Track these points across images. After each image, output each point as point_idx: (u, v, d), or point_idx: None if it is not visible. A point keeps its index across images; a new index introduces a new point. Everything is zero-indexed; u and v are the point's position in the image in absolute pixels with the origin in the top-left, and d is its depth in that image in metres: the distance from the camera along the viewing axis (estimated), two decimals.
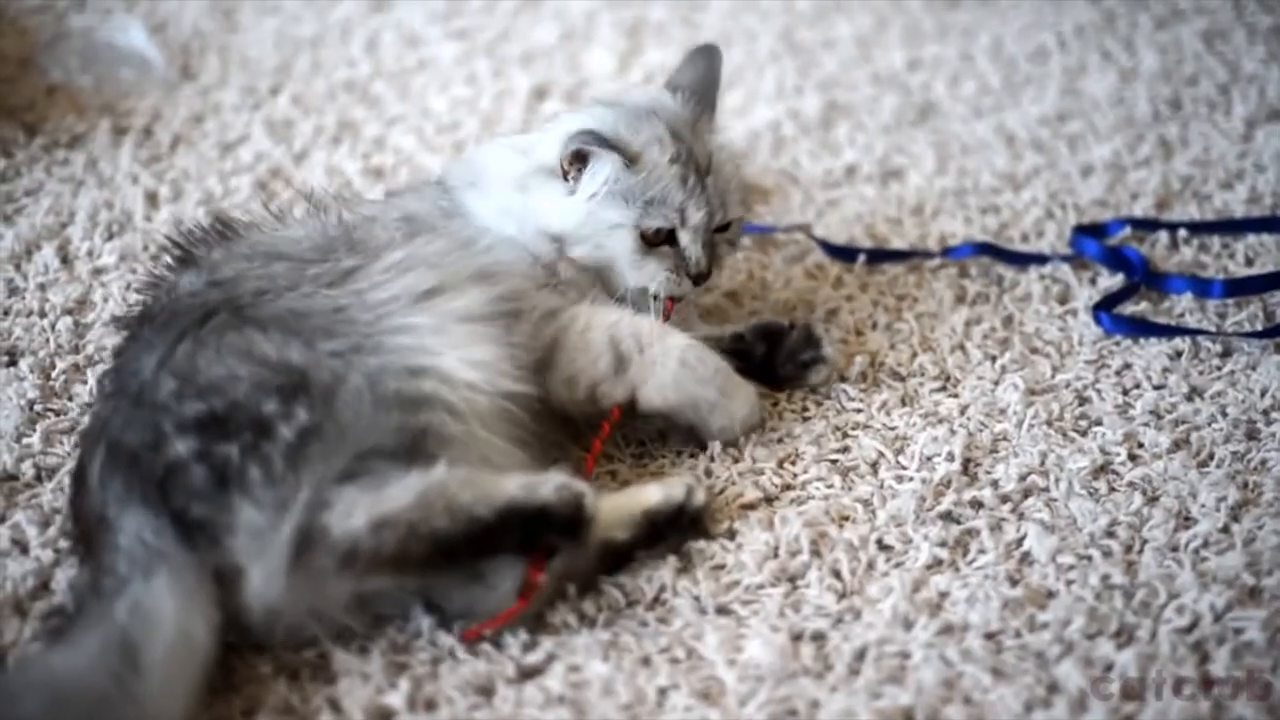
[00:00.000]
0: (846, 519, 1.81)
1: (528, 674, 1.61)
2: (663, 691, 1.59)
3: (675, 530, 1.75)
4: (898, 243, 2.42)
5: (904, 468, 1.89)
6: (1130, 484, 1.86)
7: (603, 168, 1.92)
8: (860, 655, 1.62)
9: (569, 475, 1.65)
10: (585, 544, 1.66)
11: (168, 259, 1.88)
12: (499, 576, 1.64)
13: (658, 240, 1.95)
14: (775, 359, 2.03)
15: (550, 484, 1.63)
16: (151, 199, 2.49)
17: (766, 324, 2.06)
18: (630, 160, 1.92)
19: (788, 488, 1.87)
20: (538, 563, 1.64)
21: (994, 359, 2.10)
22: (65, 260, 2.30)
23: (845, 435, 1.95)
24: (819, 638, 1.65)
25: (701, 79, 2.09)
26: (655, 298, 1.96)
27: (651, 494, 1.75)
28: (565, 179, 1.94)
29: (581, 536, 1.65)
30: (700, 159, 1.98)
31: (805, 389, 2.04)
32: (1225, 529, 1.79)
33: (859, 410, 2.00)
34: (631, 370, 1.86)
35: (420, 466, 1.60)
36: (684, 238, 1.95)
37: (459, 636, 1.64)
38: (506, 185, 1.97)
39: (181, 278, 1.81)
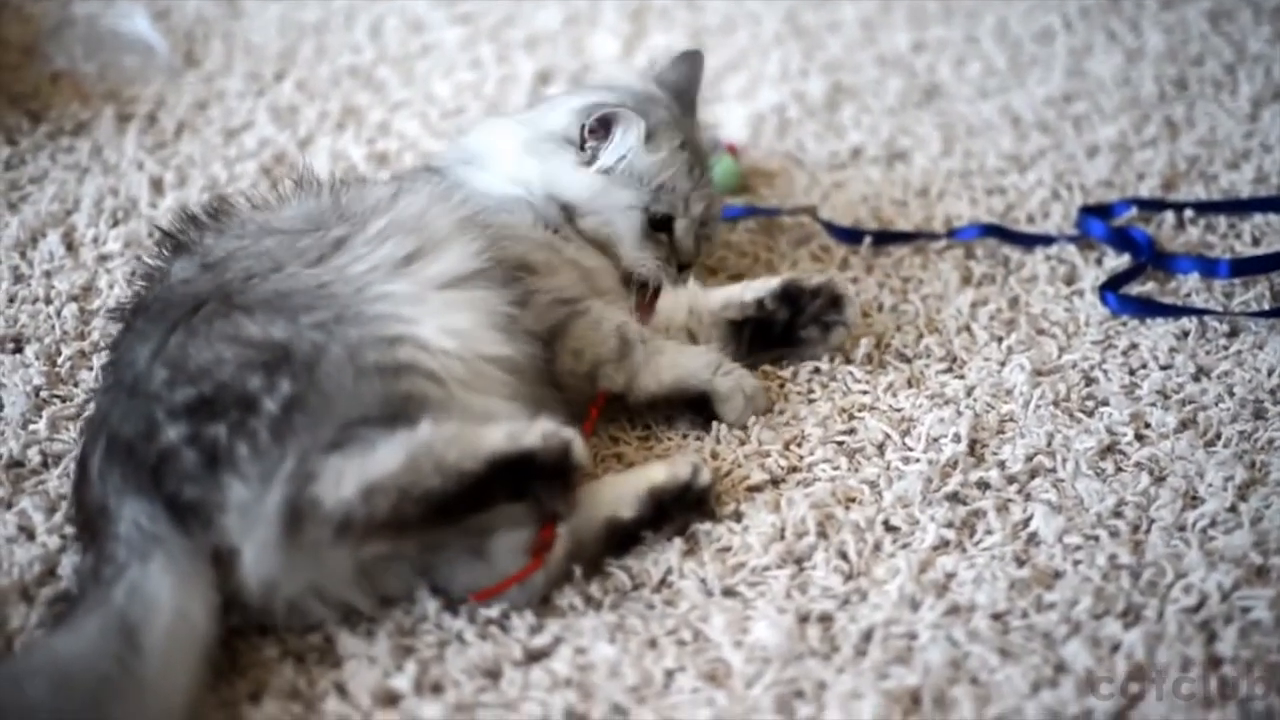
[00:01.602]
0: (853, 500, 1.81)
1: (534, 656, 1.61)
2: (669, 673, 1.59)
3: (680, 509, 1.75)
4: (903, 225, 2.41)
5: (910, 449, 1.89)
6: (1137, 464, 1.86)
7: (629, 135, 1.98)
8: (867, 636, 1.62)
9: (556, 421, 1.64)
10: (574, 491, 1.66)
11: (161, 248, 1.88)
12: (501, 553, 1.64)
13: (657, 226, 2.01)
14: (797, 322, 2.02)
15: (535, 430, 1.61)
16: (156, 185, 2.49)
17: (788, 286, 2.02)
18: (649, 135, 1.98)
19: (794, 470, 1.87)
20: (547, 524, 1.65)
21: (1000, 340, 2.10)
22: (70, 247, 2.30)
23: (851, 417, 1.95)
24: (826, 619, 1.65)
25: (684, 81, 2.17)
26: (641, 284, 2.01)
27: (657, 473, 1.76)
28: (582, 148, 1.99)
29: (570, 482, 1.64)
30: (698, 151, 2.06)
31: (817, 359, 2.04)
32: (1232, 508, 1.78)
33: (865, 392, 1.99)
34: (634, 355, 1.88)
35: (404, 428, 1.59)
36: (680, 227, 2.04)
37: (468, 598, 1.64)
38: (512, 154, 2.02)
39: (174, 265, 1.81)
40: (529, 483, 1.61)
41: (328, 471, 1.56)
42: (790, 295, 2.02)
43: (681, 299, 2.03)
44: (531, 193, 2.01)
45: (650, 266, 2.01)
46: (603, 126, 1.99)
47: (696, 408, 1.94)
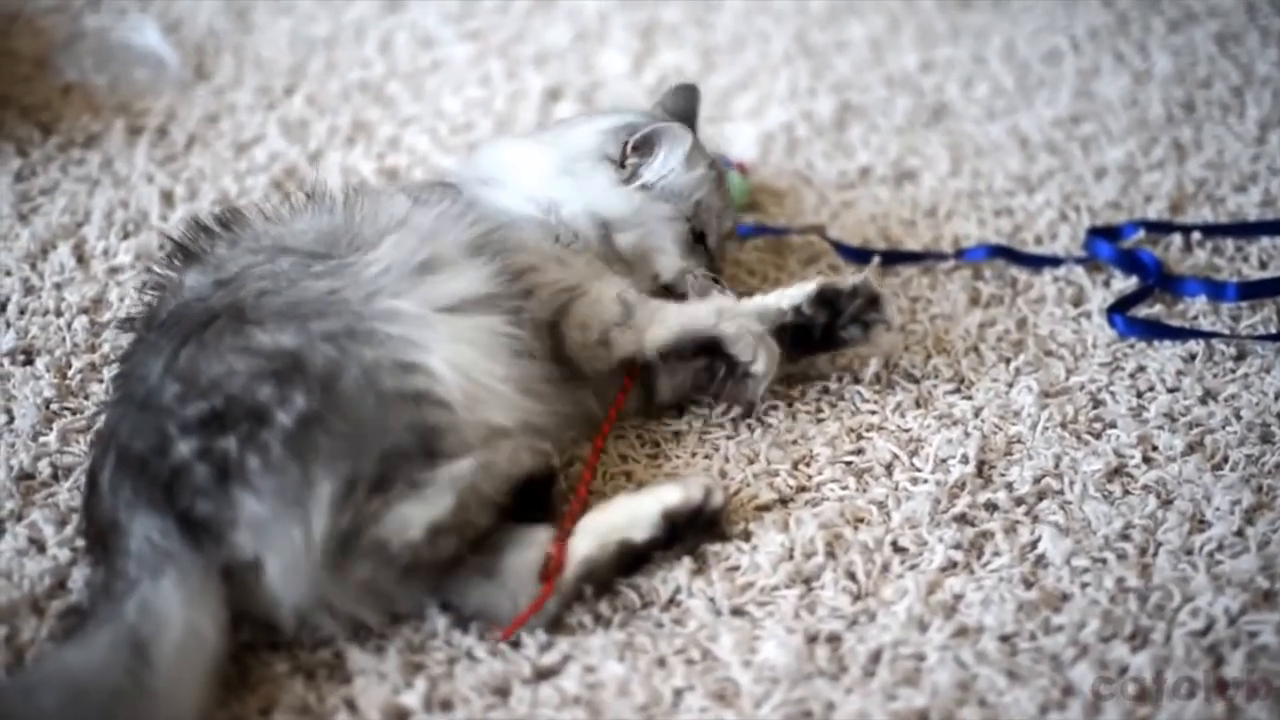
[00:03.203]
0: (861, 521, 1.82)
1: (544, 674, 1.61)
2: (678, 693, 1.59)
3: (693, 531, 1.75)
4: (911, 244, 2.42)
5: (918, 470, 1.89)
6: (1144, 487, 1.86)
7: (675, 151, 2.02)
8: (875, 657, 1.63)
9: (533, 441, 1.73)
10: (554, 497, 1.74)
11: (172, 259, 1.88)
12: (510, 572, 1.65)
13: (695, 239, 2.06)
14: (836, 324, 1.98)
15: (522, 451, 1.70)
16: (167, 198, 2.49)
17: (823, 289, 1.98)
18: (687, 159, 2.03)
19: (802, 489, 1.87)
20: (558, 547, 1.67)
21: (1008, 361, 2.10)
22: (81, 259, 2.31)
23: (860, 437, 1.96)
24: (834, 639, 1.66)
25: (684, 111, 2.21)
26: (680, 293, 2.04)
27: (670, 494, 1.75)
28: (622, 164, 2.02)
29: (552, 489, 1.73)
30: (721, 173, 2.11)
31: (835, 373, 2.05)
32: (1240, 532, 1.79)
33: (873, 412, 2.00)
34: (637, 315, 1.90)
35: (444, 463, 1.64)
36: (711, 242, 2.08)
37: (497, 639, 1.64)
38: (536, 174, 2.03)
39: (186, 276, 1.81)
40: (526, 498, 1.69)
41: (389, 515, 1.61)
42: (827, 298, 1.98)
43: (710, 308, 2.01)
44: (548, 212, 2.01)
45: (696, 275, 2.04)
46: (646, 144, 2.01)
47: (710, 373, 1.94)
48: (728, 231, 2.13)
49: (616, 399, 1.92)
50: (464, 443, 1.67)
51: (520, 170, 2.06)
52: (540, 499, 1.71)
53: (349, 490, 1.59)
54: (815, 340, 2.00)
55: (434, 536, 1.60)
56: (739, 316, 1.92)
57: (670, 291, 2.04)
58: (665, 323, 1.90)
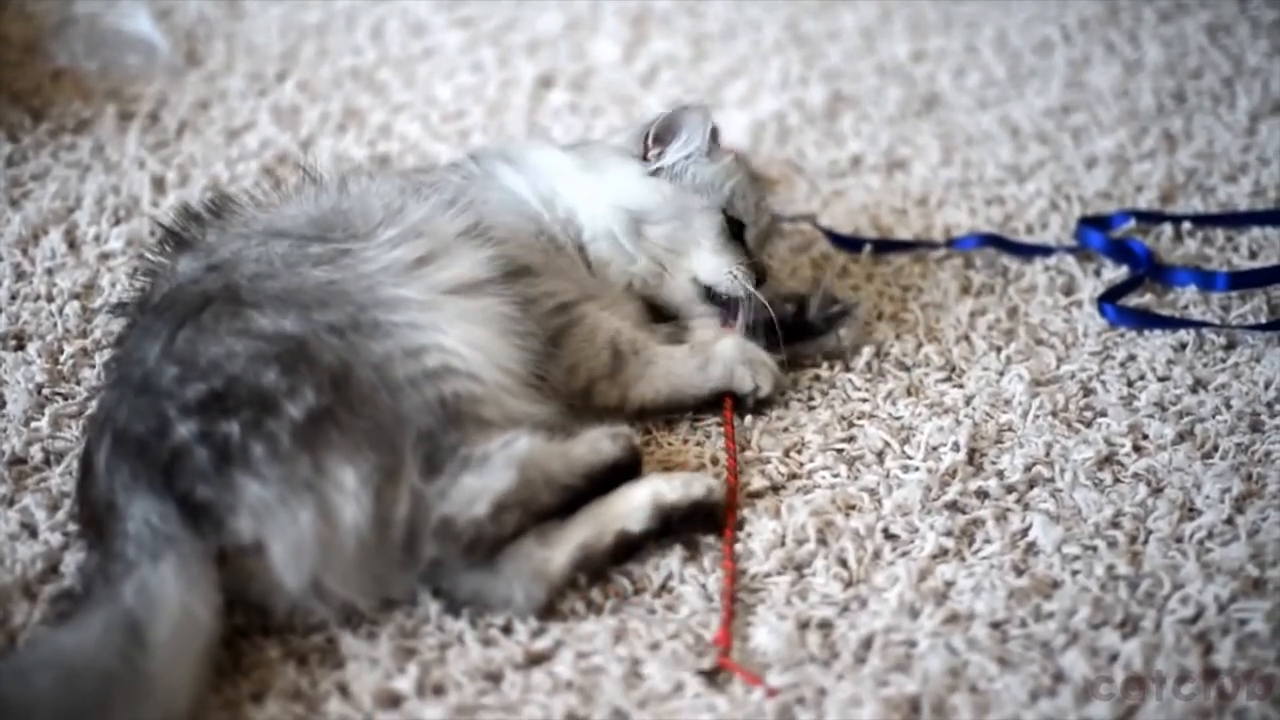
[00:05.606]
0: (853, 508, 1.82)
1: (536, 660, 1.62)
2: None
3: (689, 525, 1.75)
4: (903, 233, 2.42)
5: (910, 457, 1.90)
6: (1135, 475, 1.87)
7: (695, 132, 2.01)
8: (867, 644, 1.63)
9: (610, 426, 1.77)
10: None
11: (163, 245, 1.87)
12: (507, 561, 1.65)
13: (731, 233, 2.04)
14: (805, 316, 2.04)
15: (604, 440, 1.74)
16: (158, 184, 2.49)
17: (791, 291, 2.06)
18: (709, 148, 2.03)
19: (794, 477, 1.87)
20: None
21: (999, 350, 2.10)
22: (72, 245, 2.30)
23: (851, 425, 1.96)
24: (826, 626, 1.66)
25: None
26: (723, 299, 2.02)
27: (671, 490, 1.74)
28: (645, 157, 2.02)
29: (637, 475, 1.76)
30: (748, 167, 2.14)
31: (826, 361, 2.06)
32: (1229, 520, 1.79)
33: (865, 400, 2.00)
34: (628, 369, 1.90)
35: (497, 435, 1.66)
36: (750, 236, 2.06)
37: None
38: (562, 171, 2.04)
39: (178, 262, 1.81)
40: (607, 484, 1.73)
41: (455, 492, 1.62)
42: (793, 294, 2.06)
43: (695, 365, 1.97)
44: (546, 206, 2.01)
45: (736, 269, 2.00)
46: (667, 130, 2.02)
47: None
48: (766, 225, 2.11)
49: (726, 417, 1.94)
50: (506, 412, 1.71)
51: (542, 164, 2.06)
52: (620, 482, 1.74)
53: (388, 479, 1.61)
54: (786, 335, 2.00)
55: (498, 513, 1.62)
56: (724, 356, 1.94)
57: (712, 297, 2.02)
58: (653, 384, 1.92)
